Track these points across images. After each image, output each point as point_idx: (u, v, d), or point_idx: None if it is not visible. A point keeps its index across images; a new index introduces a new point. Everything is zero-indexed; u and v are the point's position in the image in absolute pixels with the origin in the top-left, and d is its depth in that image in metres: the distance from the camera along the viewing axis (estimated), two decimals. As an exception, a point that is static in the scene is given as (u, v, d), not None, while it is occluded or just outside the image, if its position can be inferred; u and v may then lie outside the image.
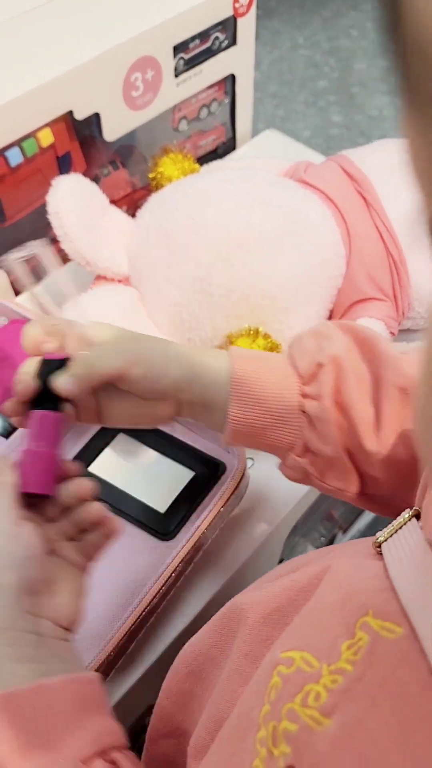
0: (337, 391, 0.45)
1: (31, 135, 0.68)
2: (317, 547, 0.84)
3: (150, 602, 0.50)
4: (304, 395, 0.45)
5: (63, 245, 0.63)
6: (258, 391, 0.45)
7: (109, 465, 0.61)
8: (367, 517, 0.98)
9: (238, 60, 0.82)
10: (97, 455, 0.62)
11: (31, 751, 0.32)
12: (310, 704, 0.30)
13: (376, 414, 0.45)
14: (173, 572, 0.51)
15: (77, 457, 0.62)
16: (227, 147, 0.89)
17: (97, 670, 0.47)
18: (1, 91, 0.64)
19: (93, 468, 0.61)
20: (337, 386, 0.45)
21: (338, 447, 0.45)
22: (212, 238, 0.60)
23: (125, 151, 0.80)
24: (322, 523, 0.90)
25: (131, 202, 0.84)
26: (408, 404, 0.45)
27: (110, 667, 0.49)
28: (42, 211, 0.76)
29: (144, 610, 0.49)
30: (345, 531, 0.97)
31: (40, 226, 0.78)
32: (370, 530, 0.99)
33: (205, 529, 0.53)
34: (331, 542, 0.93)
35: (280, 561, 0.70)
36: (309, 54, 2.00)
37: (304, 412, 0.45)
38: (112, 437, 0.63)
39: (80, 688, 0.36)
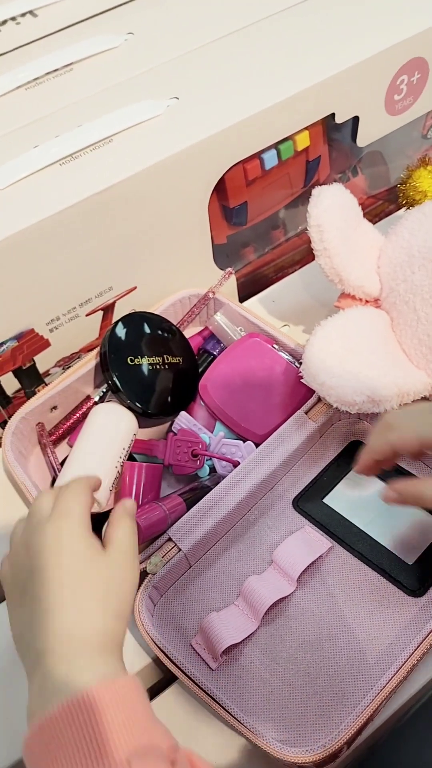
0: None
1: (290, 138, 0.64)
2: None
3: (410, 669, 0.46)
4: None
5: (319, 260, 0.59)
6: None
7: (345, 500, 0.57)
8: None
9: None
10: (332, 488, 0.58)
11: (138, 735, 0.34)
12: None
13: None
14: (435, 639, 0.47)
15: (309, 487, 0.59)
16: (470, 157, 0.82)
17: (350, 738, 0.44)
18: (270, 93, 0.60)
19: (327, 500, 0.57)
20: None
21: None
22: None
23: (369, 157, 0.75)
24: None
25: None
26: None
27: (360, 731, 0.45)
28: (274, 215, 0.73)
29: (403, 678, 0.45)
30: None
31: (268, 230, 0.75)
32: None
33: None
34: None
35: None
36: None
37: None
38: (346, 471, 0.59)
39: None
